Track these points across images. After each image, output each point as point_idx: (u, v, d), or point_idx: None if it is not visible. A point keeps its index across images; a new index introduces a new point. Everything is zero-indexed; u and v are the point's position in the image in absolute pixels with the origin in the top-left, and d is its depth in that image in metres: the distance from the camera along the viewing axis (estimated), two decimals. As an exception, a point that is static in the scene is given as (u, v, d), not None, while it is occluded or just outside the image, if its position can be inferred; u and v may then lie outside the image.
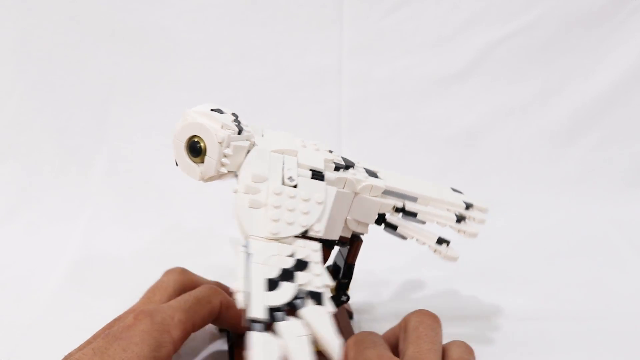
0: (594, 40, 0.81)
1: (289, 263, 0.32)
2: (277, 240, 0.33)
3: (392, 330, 0.39)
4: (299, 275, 0.31)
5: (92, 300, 0.53)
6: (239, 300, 0.29)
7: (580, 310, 0.52)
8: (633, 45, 0.81)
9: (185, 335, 0.37)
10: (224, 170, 0.35)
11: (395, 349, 0.37)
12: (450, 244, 0.42)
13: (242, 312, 0.36)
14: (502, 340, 0.47)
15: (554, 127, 0.83)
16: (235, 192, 0.35)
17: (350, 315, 0.45)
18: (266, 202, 0.34)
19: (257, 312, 0.28)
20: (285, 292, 0.30)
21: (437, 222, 0.43)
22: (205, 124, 0.35)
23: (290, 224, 0.34)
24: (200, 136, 0.35)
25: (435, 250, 0.43)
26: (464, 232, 0.44)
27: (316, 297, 0.30)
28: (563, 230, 0.72)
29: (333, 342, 0.28)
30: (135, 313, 0.35)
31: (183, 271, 0.43)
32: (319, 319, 0.29)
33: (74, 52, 0.78)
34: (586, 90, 0.83)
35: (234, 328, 0.42)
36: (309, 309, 0.29)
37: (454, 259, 0.43)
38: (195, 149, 0.35)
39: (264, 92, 0.81)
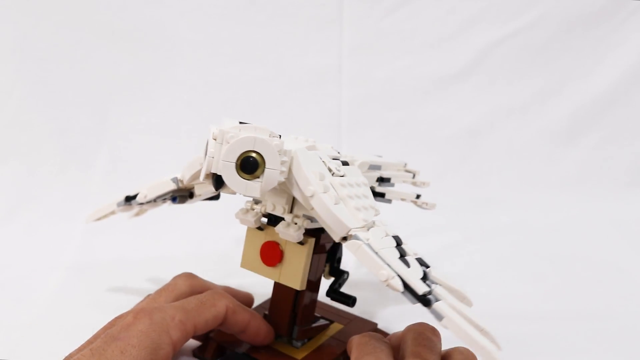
0: (594, 40, 0.81)
1: (393, 242, 0.34)
2: (369, 226, 0.34)
3: (396, 336, 0.39)
4: (405, 249, 0.34)
5: (92, 301, 0.53)
6: (396, 285, 0.31)
7: (580, 310, 0.52)
8: (633, 45, 0.81)
9: (186, 337, 0.36)
10: (282, 178, 0.34)
11: (397, 355, 0.37)
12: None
13: (246, 321, 0.37)
14: (501, 340, 0.47)
15: (554, 127, 0.83)
16: (312, 195, 0.33)
17: (353, 301, 0.45)
18: (340, 195, 0.35)
19: (423, 287, 0.31)
20: (415, 266, 0.33)
21: (403, 181, 0.51)
22: (257, 137, 0.33)
23: (366, 208, 0.35)
24: (256, 150, 0.33)
25: (416, 204, 0.51)
26: (426, 204, 0.52)
27: (423, 263, 0.34)
28: (563, 230, 0.72)
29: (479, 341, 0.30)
30: (135, 312, 0.35)
31: (191, 276, 0.43)
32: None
33: (74, 52, 0.78)
34: (586, 90, 0.83)
35: (239, 334, 0.40)
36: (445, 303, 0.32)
37: (432, 206, 0.52)
38: (251, 165, 0.33)
39: (264, 92, 0.81)
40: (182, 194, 0.45)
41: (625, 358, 0.45)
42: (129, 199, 0.48)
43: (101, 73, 0.79)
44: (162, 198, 0.45)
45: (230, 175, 0.33)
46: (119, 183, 0.77)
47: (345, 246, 0.33)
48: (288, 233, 0.37)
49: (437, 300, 0.31)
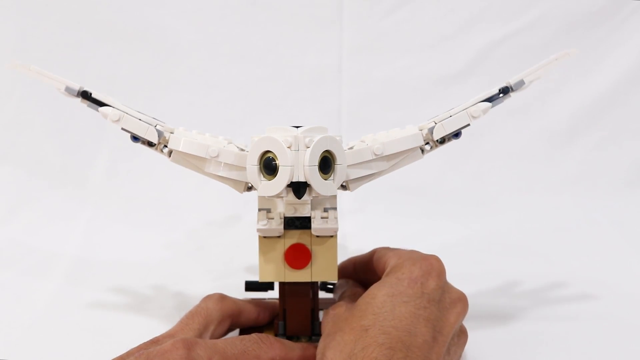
0: (594, 40, 0.81)
1: None
2: None
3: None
4: None
5: (92, 301, 0.53)
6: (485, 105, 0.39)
7: (580, 310, 0.52)
8: (633, 45, 0.81)
9: None
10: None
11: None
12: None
13: (300, 356, 0.37)
14: (501, 340, 0.47)
15: (554, 127, 0.83)
16: (382, 152, 0.37)
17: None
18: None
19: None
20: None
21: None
22: (328, 136, 0.33)
23: None
24: (329, 149, 0.33)
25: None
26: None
27: None
28: (563, 230, 0.72)
29: None
30: (175, 340, 0.33)
31: (222, 298, 0.41)
32: None
33: (74, 52, 0.78)
34: (586, 90, 0.83)
35: None
36: None
37: None
38: (328, 164, 0.33)
39: (264, 92, 0.81)
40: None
41: (625, 358, 0.45)
42: (85, 97, 0.41)
43: (101, 73, 0.79)
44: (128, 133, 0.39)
45: (317, 179, 0.33)
46: (119, 183, 0.77)
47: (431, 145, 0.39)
48: (327, 227, 0.37)
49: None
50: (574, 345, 0.46)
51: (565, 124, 0.83)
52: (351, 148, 0.38)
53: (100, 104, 0.40)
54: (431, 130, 0.38)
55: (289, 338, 0.40)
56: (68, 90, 0.40)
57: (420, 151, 0.39)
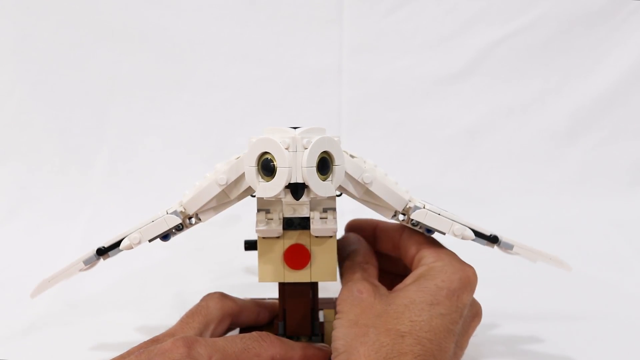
0: (594, 40, 0.81)
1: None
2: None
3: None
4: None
5: (92, 301, 0.53)
6: (470, 235, 0.37)
7: (580, 310, 0.52)
8: (633, 45, 0.81)
9: None
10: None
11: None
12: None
13: (301, 356, 0.36)
14: (501, 340, 0.47)
15: (554, 127, 0.83)
16: (371, 182, 0.36)
17: None
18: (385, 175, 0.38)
19: (487, 230, 0.39)
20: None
21: None
22: (326, 137, 0.33)
23: (397, 183, 0.38)
24: (327, 149, 0.33)
25: None
26: None
27: None
28: (563, 230, 0.72)
29: None
30: (175, 339, 0.33)
31: (222, 297, 0.41)
32: None
33: (74, 52, 0.78)
34: (586, 90, 0.83)
35: None
36: None
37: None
38: (326, 165, 0.33)
39: (264, 92, 0.81)
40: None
41: (626, 357, 0.45)
42: (103, 252, 0.39)
43: (101, 73, 0.79)
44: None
45: (314, 180, 0.32)
46: (119, 183, 0.77)
47: (405, 219, 0.37)
48: (325, 228, 0.37)
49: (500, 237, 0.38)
50: (574, 345, 0.46)
51: (565, 124, 0.83)
52: (352, 156, 0.38)
53: (117, 244, 0.39)
54: (414, 209, 0.37)
55: (289, 338, 0.40)
56: (87, 262, 0.40)
57: (392, 213, 0.38)
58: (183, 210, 0.38)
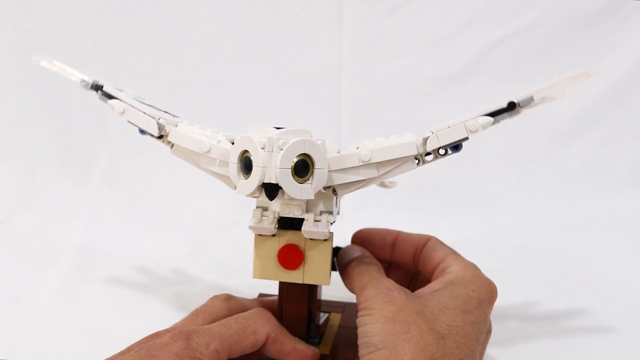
0: (594, 40, 0.81)
1: None
2: None
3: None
4: None
5: (92, 301, 0.53)
6: (486, 120, 0.37)
7: (580, 310, 0.52)
8: (633, 45, 0.81)
9: None
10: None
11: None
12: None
13: (291, 347, 0.36)
14: (501, 341, 0.47)
15: (554, 127, 0.83)
16: (369, 159, 0.36)
17: None
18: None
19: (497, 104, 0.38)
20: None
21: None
22: (307, 139, 0.33)
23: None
24: (307, 152, 0.33)
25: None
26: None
27: None
28: (563, 230, 0.72)
29: None
30: (173, 333, 0.34)
31: (228, 297, 0.41)
32: None
33: (74, 52, 0.78)
34: (586, 90, 0.83)
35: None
36: None
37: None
38: (304, 168, 0.33)
39: (264, 92, 0.81)
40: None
41: (626, 357, 0.45)
42: (97, 89, 0.44)
43: (101, 73, 0.78)
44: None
45: (288, 182, 0.32)
46: (119, 183, 0.77)
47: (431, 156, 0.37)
48: (317, 231, 0.36)
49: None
50: (574, 344, 0.46)
51: (565, 124, 0.83)
52: (339, 152, 0.38)
53: (110, 97, 0.42)
54: (425, 141, 0.37)
55: None
56: (83, 83, 0.44)
57: (415, 161, 0.37)
58: (167, 130, 0.39)
